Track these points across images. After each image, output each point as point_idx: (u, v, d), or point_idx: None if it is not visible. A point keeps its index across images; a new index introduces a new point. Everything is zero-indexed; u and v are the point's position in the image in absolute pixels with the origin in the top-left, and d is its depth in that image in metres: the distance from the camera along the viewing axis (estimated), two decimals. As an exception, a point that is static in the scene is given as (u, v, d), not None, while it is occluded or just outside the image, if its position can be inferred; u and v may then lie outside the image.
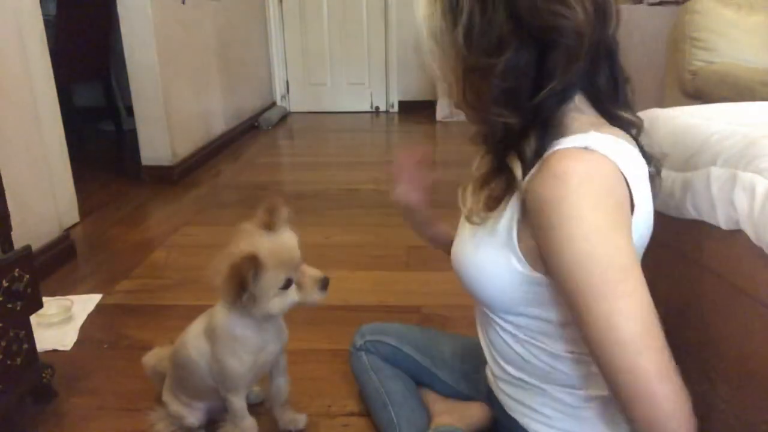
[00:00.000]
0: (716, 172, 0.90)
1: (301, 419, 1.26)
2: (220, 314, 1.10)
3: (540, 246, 0.72)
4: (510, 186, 0.76)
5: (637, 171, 0.74)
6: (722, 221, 0.88)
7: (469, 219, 0.82)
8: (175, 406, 1.21)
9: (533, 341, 0.84)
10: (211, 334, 1.11)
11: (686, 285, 1.03)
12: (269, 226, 1.03)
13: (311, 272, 1.04)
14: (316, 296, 1.04)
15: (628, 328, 0.66)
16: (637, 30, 3.33)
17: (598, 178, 0.69)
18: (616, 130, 0.77)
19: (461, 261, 0.87)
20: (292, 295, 1.02)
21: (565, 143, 0.71)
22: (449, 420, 1.11)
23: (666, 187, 1.01)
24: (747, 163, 0.85)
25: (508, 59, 0.70)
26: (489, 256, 0.80)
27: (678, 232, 1.02)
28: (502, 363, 0.92)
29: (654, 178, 0.80)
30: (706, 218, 0.92)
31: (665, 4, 3.48)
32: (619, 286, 0.67)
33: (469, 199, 0.83)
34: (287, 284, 1.01)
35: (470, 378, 1.15)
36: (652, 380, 0.65)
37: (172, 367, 1.23)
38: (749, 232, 0.83)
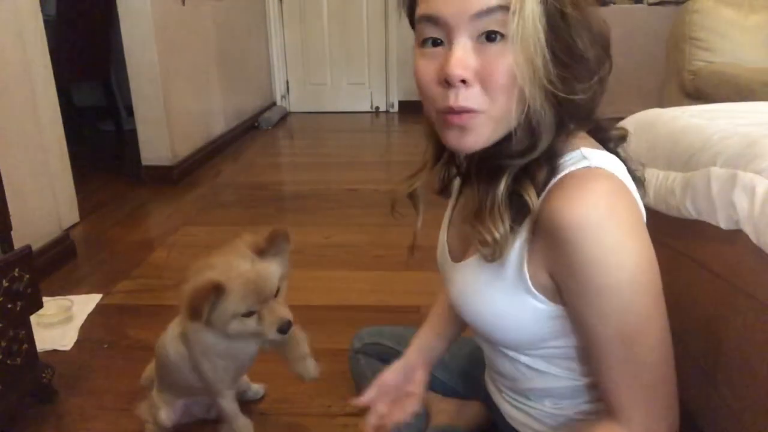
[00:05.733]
0: (716, 172, 0.90)
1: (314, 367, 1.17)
2: None
3: (558, 273, 0.69)
4: (519, 215, 0.71)
5: (631, 184, 0.72)
6: (722, 221, 0.88)
7: (487, 258, 0.73)
8: (156, 398, 1.23)
9: (555, 366, 0.81)
10: (185, 338, 1.12)
11: (686, 285, 1.03)
12: (260, 252, 1.00)
13: (279, 311, 1.00)
14: (271, 335, 1.00)
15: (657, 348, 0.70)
16: (637, 30, 3.33)
17: (620, 197, 0.68)
18: (595, 143, 0.74)
19: (473, 309, 0.81)
20: (251, 324, 1.00)
21: (567, 165, 0.69)
22: (448, 419, 1.11)
23: (666, 187, 1.01)
24: (747, 163, 0.85)
25: (592, 83, 0.68)
26: (505, 301, 0.76)
27: (678, 232, 1.02)
28: (506, 382, 0.91)
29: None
30: (706, 218, 0.92)
31: (665, 4, 3.49)
32: (656, 310, 0.70)
33: (467, 239, 0.79)
34: (249, 314, 0.99)
35: (468, 378, 1.14)
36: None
37: (155, 366, 1.24)
38: (749, 232, 0.82)
